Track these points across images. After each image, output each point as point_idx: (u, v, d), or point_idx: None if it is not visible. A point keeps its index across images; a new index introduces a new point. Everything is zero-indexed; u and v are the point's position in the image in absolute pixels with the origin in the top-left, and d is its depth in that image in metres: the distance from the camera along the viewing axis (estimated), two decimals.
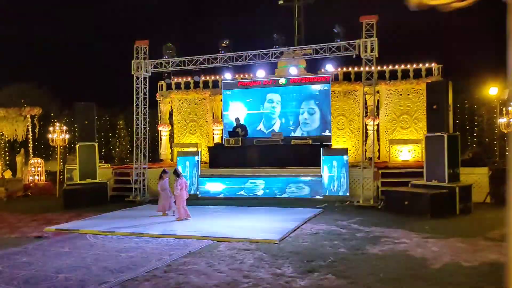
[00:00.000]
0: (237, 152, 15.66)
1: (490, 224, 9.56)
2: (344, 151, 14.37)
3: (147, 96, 15.66)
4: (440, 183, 11.49)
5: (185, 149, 17.92)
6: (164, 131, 19.83)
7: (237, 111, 17.57)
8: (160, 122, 19.99)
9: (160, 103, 20.07)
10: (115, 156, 22.76)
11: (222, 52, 15.02)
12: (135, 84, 15.48)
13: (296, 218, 10.58)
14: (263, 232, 9.10)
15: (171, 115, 20.12)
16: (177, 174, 11.29)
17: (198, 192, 14.94)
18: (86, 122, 15.26)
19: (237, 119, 16.90)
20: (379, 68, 16.95)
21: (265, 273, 6.43)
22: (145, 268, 6.75)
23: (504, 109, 14.62)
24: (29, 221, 11.50)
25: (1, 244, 8.83)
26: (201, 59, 15.04)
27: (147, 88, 15.64)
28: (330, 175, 13.89)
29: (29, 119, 19.20)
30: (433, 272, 6.40)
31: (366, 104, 15.56)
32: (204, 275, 6.39)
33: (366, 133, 16.20)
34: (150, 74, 15.68)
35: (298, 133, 16.86)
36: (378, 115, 17.24)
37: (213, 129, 19.33)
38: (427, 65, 17.05)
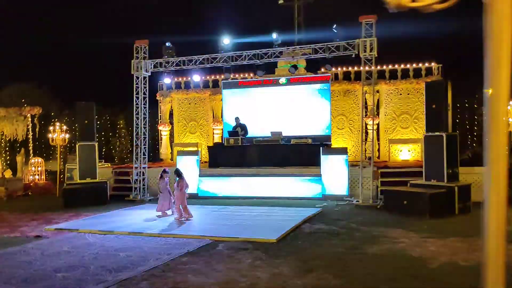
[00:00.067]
0: (236, 151, 15.69)
1: None
2: (343, 151, 14.38)
3: (147, 95, 15.68)
4: (439, 183, 11.49)
5: (185, 149, 17.95)
6: (164, 130, 19.86)
7: (237, 110, 17.58)
8: (160, 122, 20.02)
9: (160, 102, 20.10)
10: (115, 156, 22.79)
11: (222, 51, 15.04)
12: (134, 83, 15.51)
13: (295, 218, 10.58)
14: (262, 232, 9.11)
15: (171, 114, 20.15)
16: (178, 174, 11.30)
17: (197, 192, 14.96)
18: (86, 121, 15.28)
19: (237, 119, 16.91)
20: (379, 67, 16.97)
21: (263, 272, 6.45)
22: (143, 268, 6.77)
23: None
24: (29, 220, 11.52)
25: (1, 243, 8.86)
26: (200, 59, 15.06)
27: (147, 87, 15.67)
28: (330, 174, 13.88)
29: (29, 119, 19.24)
30: (430, 272, 6.41)
31: (366, 103, 15.56)
32: (202, 275, 6.41)
33: (366, 132, 16.21)
34: (150, 74, 15.71)
35: (297, 133, 16.85)
36: (378, 114, 17.25)
37: (213, 129, 19.35)
38: (427, 64, 17.06)
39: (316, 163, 14.10)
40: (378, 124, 17.30)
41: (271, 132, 16.23)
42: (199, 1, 28.79)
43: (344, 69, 17.62)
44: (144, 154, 15.55)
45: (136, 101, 15.51)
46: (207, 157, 17.00)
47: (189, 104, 19.90)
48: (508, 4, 1.74)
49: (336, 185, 13.81)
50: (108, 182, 15.38)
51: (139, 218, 11.21)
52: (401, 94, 17.32)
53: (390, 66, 17.29)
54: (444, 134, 11.55)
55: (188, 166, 15.03)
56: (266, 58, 14.58)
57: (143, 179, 15.43)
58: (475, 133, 18.15)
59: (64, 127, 17.47)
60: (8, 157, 20.39)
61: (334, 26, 14.13)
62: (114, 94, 22.56)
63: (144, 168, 15.52)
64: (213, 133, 19.36)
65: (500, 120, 1.83)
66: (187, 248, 7.95)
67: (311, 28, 18.06)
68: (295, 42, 17.60)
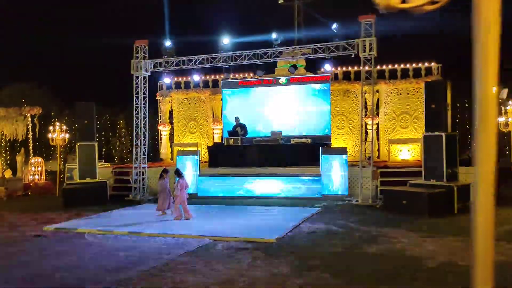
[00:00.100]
0: (236, 151, 15.69)
1: None
2: (343, 151, 14.38)
3: (147, 95, 15.69)
4: (439, 183, 11.50)
5: (185, 149, 17.95)
6: (164, 130, 19.87)
7: (236, 110, 17.58)
8: (160, 122, 20.03)
9: (160, 102, 20.11)
10: (115, 156, 22.81)
11: (222, 51, 15.04)
12: (134, 83, 15.51)
13: (294, 218, 10.60)
14: (261, 232, 9.11)
15: (171, 114, 20.16)
16: (178, 174, 11.30)
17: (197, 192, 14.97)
18: (86, 121, 15.30)
19: (236, 119, 16.91)
20: (378, 67, 16.97)
21: (262, 272, 6.45)
22: (142, 267, 6.77)
23: (503, 108, 14.63)
24: (29, 220, 11.54)
25: (0, 243, 8.87)
26: (200, 59, 15.07)
27: (147, 87, 15.67)
28: (329, 174, 13.89)
29: (29, 119, 19.26)
30: (429, 271, 6.41)
31: (365, 103, 15.56)
32: (201, 274, 6.41)
33: (366, 132, 16.21)
34: (149, 74, 15.71)
35: (297, 133, 16.87)
36: (377, 114, 17.26)
37: (213, 129, 19.37)
38: (426, 64, 17.06)
39: (316, 163, 14.10)
40: (377, 124, 17.31)
41: (271, 132, 16.24)
42: (199, 0, 28.79)
43: (344, 69, 17.62)
44: (144, 154, 15.56)
45: (136, 101, 15.52)
46: (207, 157, 17.01)
47: (189, 104, 19.91)
48: (496, 4, 1.75)
49: (335, 185, 13.82)
50: (107, 182, 15.39)
51: (139, 218, 11.21)
52: (400, 94, 17.32)
53: (390, 66, 17.29)
54: (443, 134, 11.56)
55: (188, 166, 15.05)
56: (265, 58, 14.59)
57: (143, 179, 15.44)
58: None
59: (64, 127, 17.48)
60: (8, 157, 20.40)
61: (334, 26, 14.14)
62: (114, 94, 22.56)
63: (144, 168, 15.54)
64: (213, 133, 19.37)
65: (489, 121, 1.85)
66: (186, 248, 7.96)
67: (311, 28, 18.07)
68: (294, 42, 17.60)
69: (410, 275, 6.22)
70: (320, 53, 13.91)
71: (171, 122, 20.08)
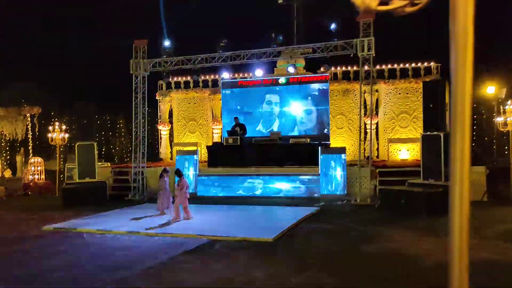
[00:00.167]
0: (235, 151, 15.70)
1: (485, 223, 9.57)
2: (342, 150, 14.39)
3: (146, 95, 15.71)
4: (437, 182, 11.51)
5: (185, 148, 17.98)
6: (163, 130, 19.90)
7: (236, 110, 17.60)
8: (160, 121, 20.06)
9: (159, 102, 20.14)
10: (115, 155, 22.84)
11: (221, 51, 15.06)
12: (133, 83, 15.54)
13: (293, 217, 10.61)
14: (259, 231, 9.13)
15: (170, 114, 20.19)
16: (179, 174, 11.31)
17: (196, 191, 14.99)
18: (85, 121, 15.34)
19: (235, 118, 16.93)
20: (378, 67, 16.99)
21: (259, 271, 6.47)
22: (140, 267, 6.79)
23: (501, 108, 14.63)
24: (28, 220, 11.56)
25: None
26: (199, 58, 15.08)
27: (146, 87, 15.69)
28: (328, 174, 13.90)
29: (29, 119, 19.29)
30: (425, 270, 6.43)
31: (365, 103, 15.57)
32: (199, 274, 6.44)
33: (365, 132, 16.21)
34: (148, 73, 15.73)
35: (296, 132, 16.90)
36: (377, 114, 17.26)
37: (213, 128, 19.39)
38: (425, 64, 17.06)
39: (315, 162, 14.12)
40: (377, 124, 17.32)
41: (270, 132, 16.26)
42: (198, 0, 28.79)
43: (343, 68, 17.63)
44: (143, 154, 15.58)
45: (135, 101, 15.54)
46: (207, 156, 17.03)
47: (189, 103, 19.93)
48: (471, 6, 1.77)
49: (334, 185, 13.83)
50: (107, 181, 15.42)
51: (137, 218, 11.23)
52: (400, 93, 17.33)
53: (389, 66, 17.30)
54: (442, 134, 11.57)
55: (187, 166, 15.07)
56: (265, 58, 14.61)
57: (142, 179, 15.46)
58: (473, 133, 18.16)
59: (64, 127, 17.51)
60: (8, 157, 20.43)
61: (333, 25, 14.16)
62: (114, 94, 22.59)
63: (143, 167, 15.55)
64: (213, 133, 19.39)
65: (464, 120, 1.87)
66: (184, 247, 7.97)
67: (310, 28, 18.09)
68: (294, 41, 17.62)
69: (407, 274, 6.24)
70: (319, 52, 13.93)
71: (171, 122, 20.11)
